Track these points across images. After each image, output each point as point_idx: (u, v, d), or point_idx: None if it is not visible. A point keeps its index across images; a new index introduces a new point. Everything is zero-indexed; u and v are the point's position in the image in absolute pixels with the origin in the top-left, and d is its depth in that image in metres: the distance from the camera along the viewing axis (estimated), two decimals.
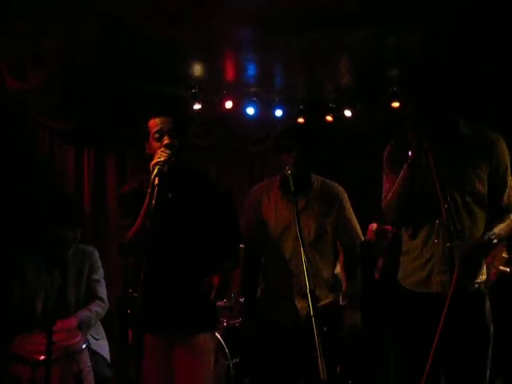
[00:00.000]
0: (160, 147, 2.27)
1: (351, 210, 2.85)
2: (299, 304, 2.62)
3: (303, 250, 2.03)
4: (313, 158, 2.76)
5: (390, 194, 2.19)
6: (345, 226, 2.80)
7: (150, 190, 2.13)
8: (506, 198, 2.16)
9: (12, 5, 3.18)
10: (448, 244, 1.91)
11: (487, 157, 2.13)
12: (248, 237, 2.80)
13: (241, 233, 2.56)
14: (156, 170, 2.15)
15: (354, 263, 2.85)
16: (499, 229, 2.07)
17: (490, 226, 2.11)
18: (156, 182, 2.12)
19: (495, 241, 2.02)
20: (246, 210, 2.89)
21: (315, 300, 1.92)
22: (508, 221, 2.13)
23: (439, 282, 2.11)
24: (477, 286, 2.09)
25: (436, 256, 2.13)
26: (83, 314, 3.21)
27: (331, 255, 2.81)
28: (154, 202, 2.08)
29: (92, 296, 3.33)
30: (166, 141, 2.28)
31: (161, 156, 2.21)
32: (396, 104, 5.00)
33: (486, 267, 2.15)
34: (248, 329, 2.94)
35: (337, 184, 2.88)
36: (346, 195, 2.85)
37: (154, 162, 2.20)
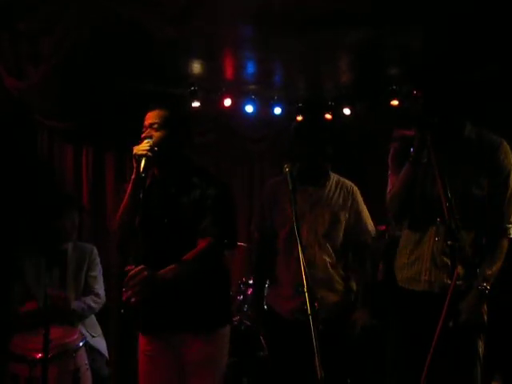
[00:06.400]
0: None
1: (364, 206, 2.88)
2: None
3: (301, 249, 2.02)
4: (325, 150, 2.78)
5: (393, 189, 2.25)
6: (358, 220, 2.82)
7: (134, 177, 2.12)
8: (506, 203, 2.14)
9: (13, 3, 3.17)
10: (449, 242, 1.91)
11: (488, 161, 2.13)
12: (262, 229, 2.88)
13: (236, 233, 2.44)
14: (143, 163, 2.14)
15: (365, 260, 2.84)
16: (489, 271, 2.10)
17: (480, 247, 2.14)
18: (143, 174, 2.12)
19: (487, 291, 2.07)
20: (261, 202, 2.95)
21: (313, 298, 1.91)
22: (498, 251, 2.14)
23: (426, 281, 2.16)
24: (483, 286, 2.09)
25: (426, 254, 2.17)
26: (76, 303, 3.26)
27: (343, 246, 2.80)
28: (141, 195, 2.08)
29: (88, 291, 3.39)
30: (145, 132, 2.28)
31: (141, 147, 2.19)
32: (395, 102, 4.97)
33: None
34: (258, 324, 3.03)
35: (351, 182, 2.92)
36: (359, 193, 2.89)
37: (135, 153, 2.19)
